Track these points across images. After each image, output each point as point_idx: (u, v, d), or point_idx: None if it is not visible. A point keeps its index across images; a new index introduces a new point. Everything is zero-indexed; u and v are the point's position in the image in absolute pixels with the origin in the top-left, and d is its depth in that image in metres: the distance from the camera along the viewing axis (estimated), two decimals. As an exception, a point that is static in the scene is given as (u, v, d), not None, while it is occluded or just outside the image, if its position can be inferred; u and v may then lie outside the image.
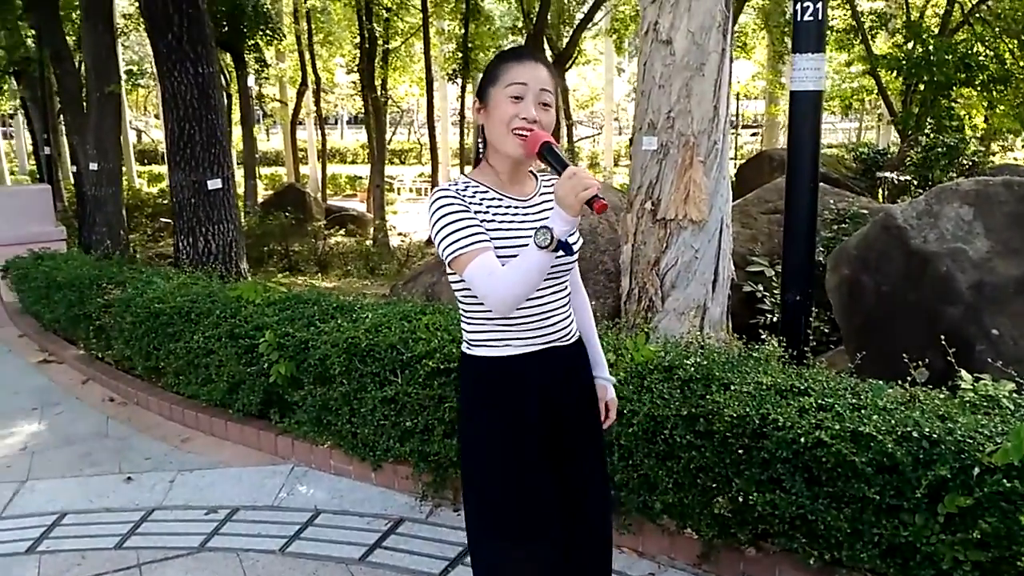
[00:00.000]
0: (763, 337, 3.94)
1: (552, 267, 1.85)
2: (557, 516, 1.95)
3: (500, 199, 1.90)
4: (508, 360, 1.93)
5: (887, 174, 8.00)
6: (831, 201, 5.93)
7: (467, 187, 1.89)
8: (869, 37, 12.29)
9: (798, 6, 3.27)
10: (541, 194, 1.99)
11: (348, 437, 3.89)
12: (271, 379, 4.07)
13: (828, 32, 13.58)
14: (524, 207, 1.93)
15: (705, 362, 3.06)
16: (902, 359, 3.13)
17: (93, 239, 9.31)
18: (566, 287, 2.01)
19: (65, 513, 3.75)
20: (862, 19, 12.49)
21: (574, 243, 1.83)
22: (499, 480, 1.94)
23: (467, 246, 1.78)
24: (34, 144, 18.93)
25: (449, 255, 1.80)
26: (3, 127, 31.77)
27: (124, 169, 23.06)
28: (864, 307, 4.04)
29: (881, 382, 2.86)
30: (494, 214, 1.87)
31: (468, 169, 2.14)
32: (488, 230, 1.83)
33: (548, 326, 1.94)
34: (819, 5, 3.26)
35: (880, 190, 8.13)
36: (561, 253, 1.73)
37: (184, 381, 4.79)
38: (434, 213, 1.82)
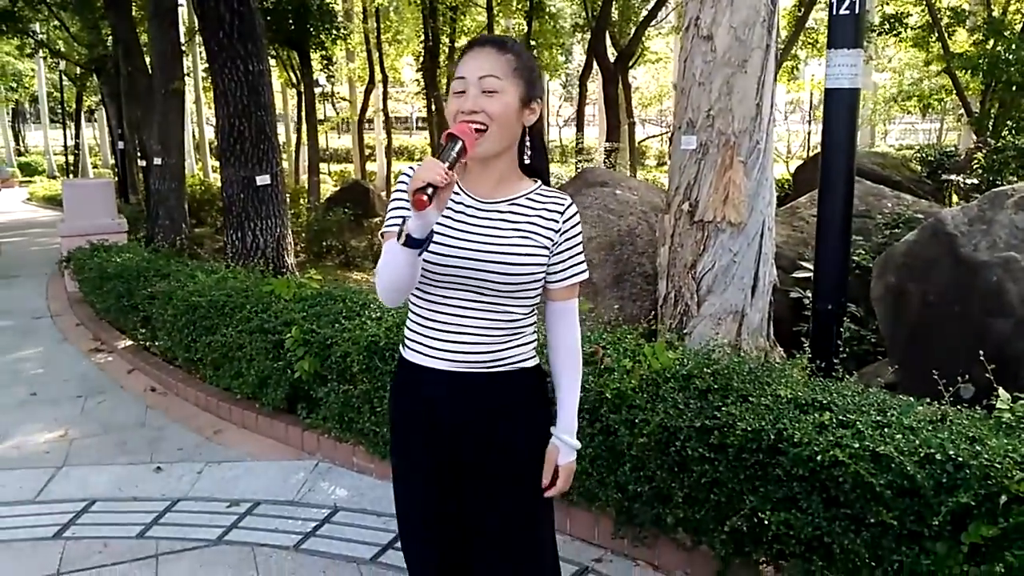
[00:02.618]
0: (806, 345, 3.77)
1: (468, 280, 1.73)
2: (432, 524, 1.89)
3: (457, 194, 1.78)
4: (412, 366, 1.84)
5: (953, 177, 7.60)
6: (888, 204, 5.65)
7: None
8: (947, 34, 11.75)
9: (834, -1, 3.09)
10: (512, 202, 1.78)
11: (370, 435, 3.87)
12: (296, 375, 4.08)
13: (903, 29, 13.12)
14: (476, 208, 1.77)
15: (725, 371, 2.92)
16: (947, 373, 2.93)
17: (156, 232, 9.59)
18: (503, 312, 1.77)
19: (95, 500, 3.83)
20: (939, 16, 11.94)
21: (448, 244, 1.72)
22: (393, 467, 1.98)
23: (387, 227, 1.74)
24: (111, 138, 19.64)
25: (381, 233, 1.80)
26: (88, 122, 33.06)
27: (198, 163, 23.83)
28: (909, 317, 3.82)
29: (911, 398, 2.68)
30: None
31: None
32: None
33: (457, 343, 1.77)
34: (857, -3, 3.08)
35: (947, 194, 7.73)
36: (425, 253, 1.64)
37: (220, 374, 4.85)
38: None
